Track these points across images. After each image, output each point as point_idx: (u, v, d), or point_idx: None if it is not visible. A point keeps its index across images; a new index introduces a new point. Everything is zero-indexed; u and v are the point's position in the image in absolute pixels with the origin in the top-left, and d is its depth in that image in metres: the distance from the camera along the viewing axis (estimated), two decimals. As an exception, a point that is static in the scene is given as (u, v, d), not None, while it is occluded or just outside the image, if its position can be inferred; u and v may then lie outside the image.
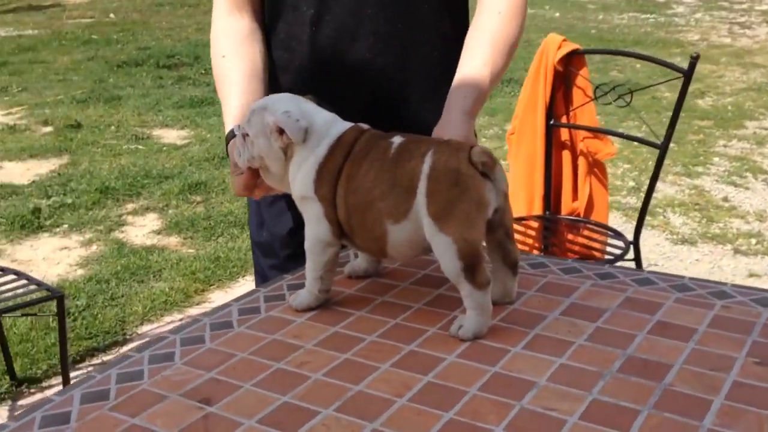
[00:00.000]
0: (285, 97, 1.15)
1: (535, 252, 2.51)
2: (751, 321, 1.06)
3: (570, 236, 2.58)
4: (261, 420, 0.87)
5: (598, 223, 2.62)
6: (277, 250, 1.44)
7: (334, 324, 1.10)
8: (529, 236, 2.56)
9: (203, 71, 8.56)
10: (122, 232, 3.91)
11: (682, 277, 1.22)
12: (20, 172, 4.96)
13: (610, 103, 2.51)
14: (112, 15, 14.92)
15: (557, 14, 11.55)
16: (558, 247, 2.55)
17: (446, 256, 1.02)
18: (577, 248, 2.52)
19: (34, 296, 2.18)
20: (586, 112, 2.64)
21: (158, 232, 3.90)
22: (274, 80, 1.38)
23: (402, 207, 1.04)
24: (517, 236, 2.52)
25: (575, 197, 2.73)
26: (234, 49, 1.32)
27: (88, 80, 8.25)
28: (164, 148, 5.38)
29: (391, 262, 1.27)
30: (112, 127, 6.00)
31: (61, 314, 2.15)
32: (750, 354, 0.98)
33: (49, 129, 6.05)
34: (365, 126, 1.14)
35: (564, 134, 2.71)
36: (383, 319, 1.10)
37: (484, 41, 1.30)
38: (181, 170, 4.78)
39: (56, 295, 2.15)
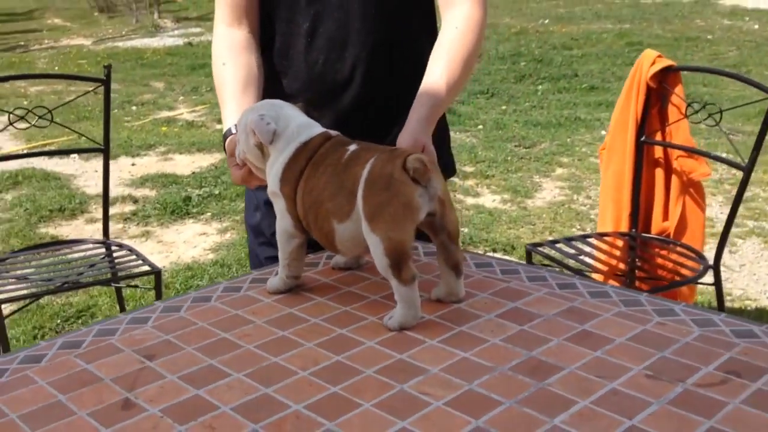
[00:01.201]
0: (270, 102, 1.31)
1: (621, 266, 2.50)
2: (675, 338, 1.08)
3: (650, 255, 2.53)
4: (181, 376, 1.03)
5: (682, 243, 2.55)
6: (264, 229, 1.60)
7: (292, 306, 1.24)
8: (613, 255, 2.55)
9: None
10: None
11: (639, 292, 1.24)
12: (185, 164, 5.46)
13: (700, 122, 2.44)
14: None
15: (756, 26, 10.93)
16: (640, 266, 2.52)
17: (376, 253, 1.13)
18: (657, 268, 2.48)
19: (137, 270, 2.49)
20: (680, 129, 2.58)
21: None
22: (276, 84, 1.55)
23: (345, 208, 1.16)
24: (599, 253, 2.53)
25: (666, 217, 2.67)
26: (233, 57, 1.50)
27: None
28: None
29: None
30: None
31: (158, 287, 2.44)
32: (648, 367, 1.01)
33: (220, 126, 6.60)
34: (334, 133, 1.26)
35: (657, 152, 2.66)
36: (336, 306, 1.23)
37: (442, 55, 1.42)
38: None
39: (155, 270, 2.44)
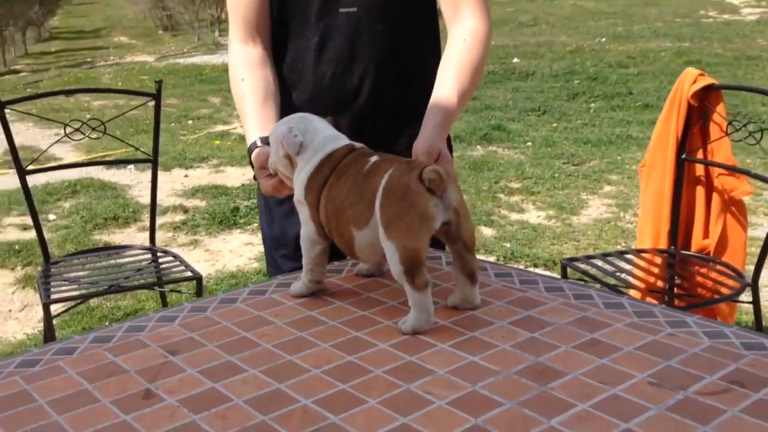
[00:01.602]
0: (300, 116, 1.36)
1: (659, 283, 2.49)
2: (683, 348, 1.09)
3: (689, 273, 2.51)
4: (201, 371, 1.09)
5: (722, 261, 2.52)
6: (287, 242, 1.65)
7: (312, 309, 1.28)
8: (651, 272, 2.53)
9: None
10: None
11: (653, 305, 1.26)
12: (236, 176, 5.59)
13: (740, 141, 2.42)
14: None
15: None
16: (679, 283, 2.50)
17: (392, 260, 1.17)
18: (696, 286, 2.46)
19: (181, 276, 2.57)
20: (721, 147, 2.56)
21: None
22: (286, 96, 1.61)
23: (364, 216, 1.20)
24: (637, 269, 2.52)
25: (706, 234, 2.65)
26: (250, 73, 1.56)
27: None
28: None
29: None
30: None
31: (199, 293, 2.53)
32: (652, 375, 1.02)
33: (270, 140, 6.73)
34: (359, 145, 1.31)
35: (698, 169, 2.64)
36: (355, 310, 1.27)
37: (452, 66, 1.50)
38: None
39: (196, 276, 2.52)
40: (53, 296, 2.42)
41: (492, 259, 3.97)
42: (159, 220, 4.37)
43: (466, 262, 1.22)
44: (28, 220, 4.51)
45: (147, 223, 4.47)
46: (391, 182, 1.18)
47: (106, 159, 5.30)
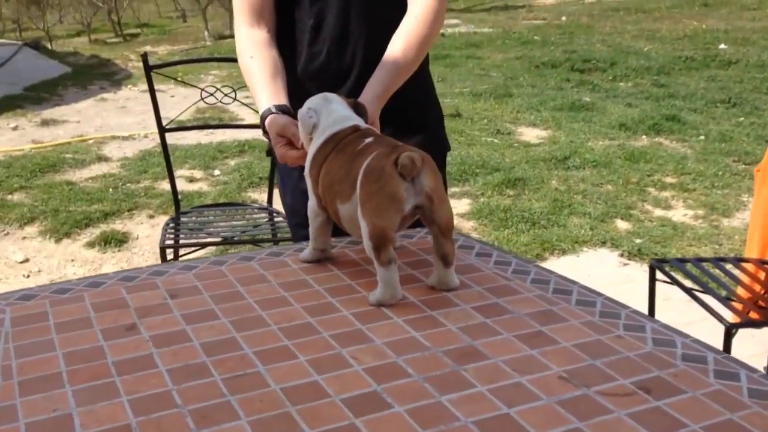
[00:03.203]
0: (323, 96, 1.49)
1: (747, 296, 2.38)
2: (619, 350, 1.12)
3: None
4: (184, 314, 1.26)
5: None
6: (298, 211, 1.79)
7: (309, 274, 1.42)
8: (751, 283, 2.42)
9: (612, 77, 8.73)
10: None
11: (649, 318, 1.27)
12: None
13: None
14: (563, 18, 15.66)
15: None
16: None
17: (363, 235, 1.28)
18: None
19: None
20: None
21: (461, 215, 4.34)
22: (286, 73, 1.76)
23: (347, 192, 1.32)
24: (734, 279, 2.41)
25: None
26: (259, 51, 1.71)
27: (502, 77, 8.97)
28: (515, 144, 5.80)
29: (412, 246, 1.53)
30: (485, 120, 6.59)
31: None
32: (569, 371, 1.07)
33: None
34: (364, 126, 1.42)
35: (819, 179, 2.47)
36: (345, 280, 1.39)
37: (400, 39, 1.66)
38: (512, 165, 5.15)
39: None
40: (182, 241, 2.73)
41: (615, 254, 3.89)
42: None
43: (441, 245, 1.30)
44: (196, 174, 4.99)
45: (294, 186, 4.81)
46: (371, 164, 1.28)
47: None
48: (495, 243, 3.89)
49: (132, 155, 5.43)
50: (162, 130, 2.92)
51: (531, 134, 6.18)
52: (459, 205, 4.51)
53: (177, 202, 3.01)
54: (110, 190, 4.66)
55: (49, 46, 13.55)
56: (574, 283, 1.38)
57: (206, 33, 20.99)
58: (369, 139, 1.36)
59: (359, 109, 1.50)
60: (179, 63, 3.21)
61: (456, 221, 4.22)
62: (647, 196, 4.72)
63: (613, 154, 5.51)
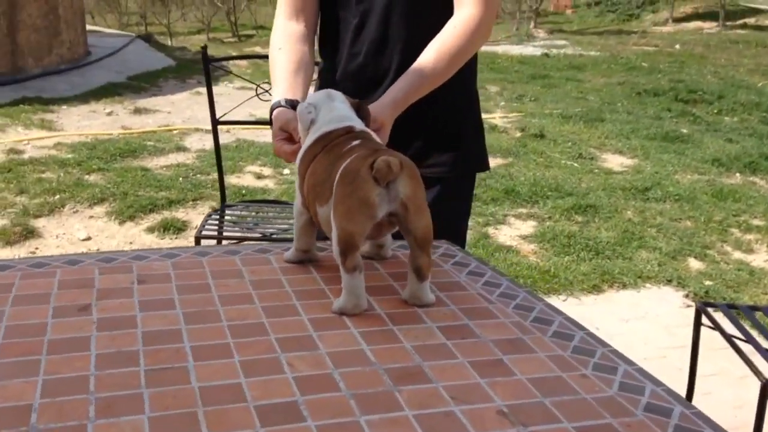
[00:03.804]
0: (326, 93, 1.43)
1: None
2: (576, 390, 1.02)
3: None
4: (142, 301, 1.23)
5: None
6: None
7: (286, 274, 1.37)
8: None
9: (717, 111, 8.37)
10: (497, 228, 4.33)
11: (626, 361, 1.16)
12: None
13: None
14: (677, 46, 15.16)
15: None
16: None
17: (332, 239, 1.22)
18: None
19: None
20: None
21: (524, 237, 4.21)
22: (327, 71, 1.73)
23: (326, 194, 1.26)
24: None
25: None
26: (289, 45, 1.67)
27: (598, 101, 8.73)
28: (595, 170, 5.60)
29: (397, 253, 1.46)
30: (569, 143, 6.40)
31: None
32: (512, 407, 0.98)
33: (518, 134, 6.73)
34: (359, 128, 1.35)
35: None
36: (320, 285, 1.33)
37: (433, 48, 1.59)
38: (587, 191, 4.97)
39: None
40: (225, 234, 2.75)
41: (680, 294, 3.68)
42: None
43: (415, 257, 1.23)
44: (266, 171, 5.04)
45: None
46: (348, 166, 1.22)
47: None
48: (551, 269, 3.74)
49: (209, 147, 5.53)
50: (215, 123, 2.94)
51: (615, 161, 5.95)
52: (522, 227, 4.38)
53: (223, 194, 3.02)
54: (180, 179, 4.75)
55: (168, 42, 14.08)
56: (559, 313, 1.27)
57: (316, 38, 21.45)
58: (356, 142, 1.30)
59: (361, 111, 1.44)
60: (238, 58, 3.23)
61: (515, 243, 4.10)
62: (728, 236, 4.45)
63: (700, 190, 5.24)
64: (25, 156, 5.15)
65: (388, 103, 1.55)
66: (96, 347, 1.07)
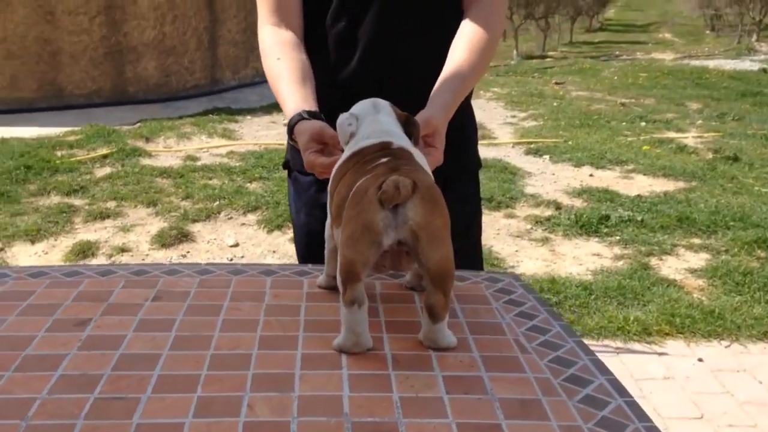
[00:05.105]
0: (372, 102, 1.30)
1: None
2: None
3: None
4: (143, 319, 1.16)
5: None
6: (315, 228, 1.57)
7: (309, 300, 1.25)
8: None
9: None
10: (661, 259, 3.93)
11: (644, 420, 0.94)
12: (642, 185, 5.26)
13: None
14: None
15: None
16: None
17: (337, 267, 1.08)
18: None
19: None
20: None
21: (691, 270, 3.79)
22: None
23: (342, 216, 1.12)
24: None
25: None
26: (286, 53, 1.50)
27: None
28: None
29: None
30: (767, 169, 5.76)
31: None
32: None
33: (709, 156, 6.16)
34: (396, 145, 1.20)
35: None
36: (337, 316, 1.19)
37: (465, 43, 1.50)
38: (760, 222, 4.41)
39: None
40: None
41: None
42: (527, 211, 4.42)
43: (429, 295, 1.06)
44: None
45: (513, 210, 4.55)
46: (359, 185, 1.08)
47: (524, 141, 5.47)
48: (716, 310, 3.32)
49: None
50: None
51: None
52: (692, 260, 3.95)
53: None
54: (336, 192, 4.79)
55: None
56: (604, 373, 1.06)
57: (515, 52, 21.18)
58: (384, 159, 1.15)
59: (409, 126, 1.29)
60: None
61: (680, 276, 3.71)
62: None
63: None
64: (199, 163, 5.43)
65: (440, 109, 1.41)
66: (65, 368, 1.01)
